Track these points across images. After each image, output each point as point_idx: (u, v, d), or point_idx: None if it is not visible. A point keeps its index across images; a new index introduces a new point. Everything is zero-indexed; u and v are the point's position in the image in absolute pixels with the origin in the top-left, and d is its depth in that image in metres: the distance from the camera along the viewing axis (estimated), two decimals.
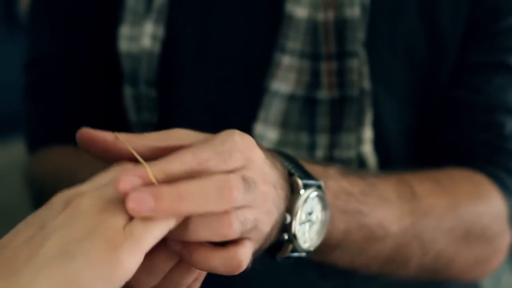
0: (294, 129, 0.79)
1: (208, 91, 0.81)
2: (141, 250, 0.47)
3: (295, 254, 0.58)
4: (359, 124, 0.78)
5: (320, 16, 0.77)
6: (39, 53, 0.90)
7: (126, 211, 0.48)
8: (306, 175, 0.58)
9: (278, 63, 0.77)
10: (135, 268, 0.46)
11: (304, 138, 0.79)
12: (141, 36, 0.81)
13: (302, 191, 0.56)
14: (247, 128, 0.76)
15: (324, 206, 0.59)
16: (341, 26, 0.77)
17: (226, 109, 0.80)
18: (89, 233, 0.46)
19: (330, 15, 0.77)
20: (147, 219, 0.47)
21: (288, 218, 0.56)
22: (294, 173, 0.57)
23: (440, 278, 0.78)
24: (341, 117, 0.78)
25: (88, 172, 0.56)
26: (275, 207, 0.53)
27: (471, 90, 0.80)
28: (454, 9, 0.78)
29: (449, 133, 0.81)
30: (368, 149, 0.78)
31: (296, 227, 0.56)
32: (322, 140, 0.78)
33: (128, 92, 0.83)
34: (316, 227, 0.59)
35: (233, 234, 0.49)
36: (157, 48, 0.81)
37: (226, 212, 0.48)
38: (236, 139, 0.50)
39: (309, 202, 0.57)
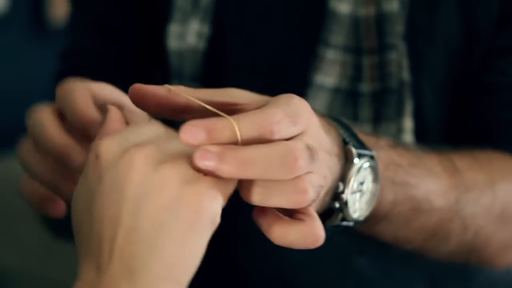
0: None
1: (252, 85, 0.84)
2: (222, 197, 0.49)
3: (344, 223, 0.59)
4: (400, 114, 0.80)
5: (362, 11, 0.80)
6: (76, 45, 0.93)
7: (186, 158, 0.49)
8: (360, 144, 0.59)
9: (322, 57, 0.81)
10: (218, 217, 0.49)
11: None
12: (187, 34, 0.84)
13: (356, 160, 0.57)
14: None
15: (376, 177, 0.60)
16: (381, 21, 0.80)
17: None
18: (172, 205, 0.47)
19: (371, 10, 0.80)
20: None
21: (341, 187, 0.57)
22: (349, 142, 0.58)
23: (474, 261, 0.80)
24: (382, 108, 0.81)
25: None
26: (330, 174, 0.54)
27: (496, 72, 0.82)
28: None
29: (477, 115, 0.83)
30: (408, 138, 0.80)
31: (347, 196, 0.57)
32: (365, 130, 0.80)
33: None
34: (366, 197, 0.60)
35: (308, 201, 0.50)
36: (202, 45, 0.84)
37: (300, 178, 0.49)
38: (297, 101, 0.51)
39: (361, 172, 0.58)
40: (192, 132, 0.47)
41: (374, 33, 0.81)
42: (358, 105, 0.82)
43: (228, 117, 0.48)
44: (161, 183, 0.48)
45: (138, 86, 0.54)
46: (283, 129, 0.49)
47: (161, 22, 0.86)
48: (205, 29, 0.84)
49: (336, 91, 0.81)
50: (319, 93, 0.81)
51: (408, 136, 0.81)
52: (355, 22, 0.81)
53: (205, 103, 0.53)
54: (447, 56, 0.82)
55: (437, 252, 0.76)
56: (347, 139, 0.58)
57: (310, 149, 0.49)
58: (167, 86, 0.53)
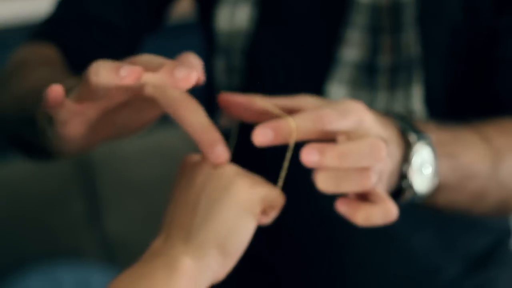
0: (359, 88, 0.91)
1: (288, 59, 0.95)
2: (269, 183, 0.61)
3: (413, 198, 0.68)
4: (411, 82, 0.89)
5: (381, 1, 0.89)
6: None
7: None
8: (415, 130, 0.68)
9: (347, 36, 0.90)
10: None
11: (367, 95, 0.91)
12: (237, 16, 0.93)
13: (414, 145, 0.66)
14: (321, 87, 0.91)
15: (434, 155, 0.69)
16: (397, 6, 0.89)
17: (304, 72, 0.94)
18: (226, 183, 0.59)
19: (389, 0, 0.89)
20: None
21: (406, 168, 0.67)
22: (407, 130, 0.67)
23: (503, 212, 0.89)
24: (396, 78, 0.90)
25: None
26: (389, 159, 0.63)
27: (508, 48, 0.89)
28: None
29: (491, 87, 0.90)
30: (417, 103, 0.89)
31: (412, 175, 0.67)
32: (382, 96, 0.91)
33: (220, 62, 0.95)
34: (428, 173, 0.69)
35: (372, 184, 0.58)
36: (251, 26, 0.93)
37: (366, 167, 0.58)
38: (349, 103, 0.61)
39: (421, 152, 0.67)
40: (263, 133, 0.58)
41: (391, 16, 0.89)
42: (376, 75, 0.91)
43: (288, 116, 0.59)
44: (220, 173, 0.59)
45: (225, 96, 0.66)
46: (334, 121, 0.59)
47: (210, 4, 0.95)
48: (254, 13, 0.93)
49: (357, 64, 0.91)
50: (343, 65, 0.91)
51: (417, 101, 0.89)
52: (374, 7, 0.89)
53: (279, 107, 0.63)
54: (452, 35, 0.90)
55: (480, 210, 0.83)
56: (405, 128, 0.68)
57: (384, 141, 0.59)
58: (248, 96, 0.64)
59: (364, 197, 0.61)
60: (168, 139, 2.02)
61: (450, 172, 0.74)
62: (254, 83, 0.96)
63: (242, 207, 0.58)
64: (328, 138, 0.60)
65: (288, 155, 0.60)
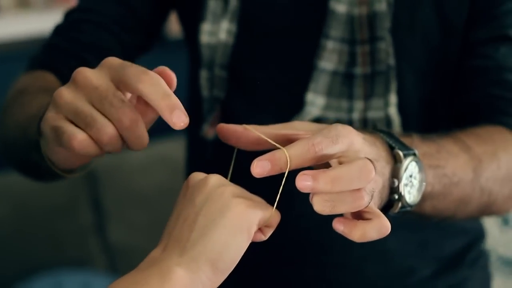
0: (337, 97, 0.94)
1: (268, 70, 0.98)
2: (265, 206, 0.64)
3: (403, 209, 0.72)
4: (386, 91, 0.92)
5: (356, 11, 0.92)
6: (84, 5, 1.01)
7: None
8: (404, 146, 0.71)
9: (324, 47, 0.93)
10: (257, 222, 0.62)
11: (344, 103, 0.94)
12: (218, 31, 0.97)
13: (403, 160, 0.70)
14: (300, 97, 0.94)
15: (420, 168, 0.72)
16: (372, 18, 0.92)
17: (284, 83, 0.97)
18: (222, 204, 0.62)
19: (364, 10, 0.92)
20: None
21: (396, 182, 0.70)
22: (395, 147, 0.70)
23: (485, 215, 0.91)
24: (372, 86, 0.93)
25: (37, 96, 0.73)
26: (379, 177, 0.67)
27: (482, 57, 0.92)
28: (460, 2, 0.92)
29: (467, 95, 0.93)
30: (393, 111, 0.92)
31: (402, 188, 0.70)
32: (358, 105, 0.93)
33: (204, 74, 0.99)
34: (416, 185, 0.72)
35: (365, 204, 0.61)
36: (231, 40, 0.97)
37: (359, 189, 0.61)
38: (339, 128, 0.63)
39: (409, 167, 0.70)
40: (260, 165, 0.61)
41: (366, 27, 0.92)
42: (353, 85, 0.93)
43: (282, 148, 0.62)
44: (220, 194, 0.62)
45: (222, 126, 0.70)
46: (325, 147, 0.61)
47: (194, 21, 0.99)
48: (233, 27, 0.97)
49: (335, 73, 0.93)
50: (321, 75, 0.93)
51: (392, 109, 0.92)
52: (350, 19, 0.92)
53: (273, 135, 0.67)
54: (426, 46, 0.93)
55: (463, 215, 0.86)
56: (393, 144, 0.71)
57: (373, 162, 0.62)
58: (244, 125, 0.67)
59: (359, 215, 0.64)
60: (170, 150, 2.06)
61: (436, 181, 0.78)
62: (236, 95, 0.99)
63: (237, 228, 0.62)
64: (321, 162, 0.64)
65: (283, 182, 0.63)
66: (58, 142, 0.65)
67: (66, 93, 0.64)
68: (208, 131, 1.01)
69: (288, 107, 0.96)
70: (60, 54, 0.97)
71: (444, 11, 0.93)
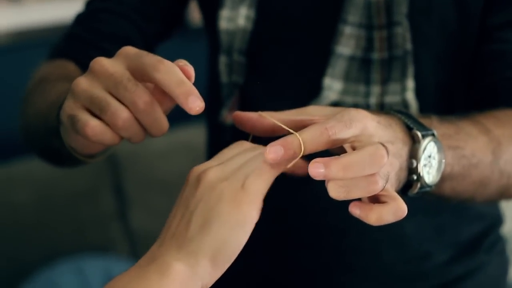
0: (354, 82, 0.94)
1: (286, 55, 0.98)
2: (259, 200, 0.63)
3: (422, 190, 0.72)
4: (403, 76, 0.92)
5: None
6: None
7: (242, 176, 0.63)
8: (422, 126, 0.71)
9: (341, 32, 0.94)
10: (257, 214, 0.62)
11: (361, 88, 0.94)
12: (237, 17, 0.98)
13: (421, 141, 0.70)
14: (318, 82, 0.95)
15: (439, 148, 0.72)
16: (389, 3, 0.92)
17: (301, 68, 0.98)
18: (217, 200, 0.62)
19: None
20: (258, 174, 0.62)
21: (414, 163, 0.70)
22: (413, 127, 0.70)
23: (504, 198, 0.90)
24: (389, 71, 0.92)
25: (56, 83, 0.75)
26: (395, 159, 0.67)
27: (499, 42, 0.92)
28: None
29: (484, 79, 0.93)
30: (410, 96, 0.92)
31: (421, 169, 0.70)
32: (375, 89, 0.94)
33: (223, 60, 1.00)
34: (435, 165, 0.72)
35: (380, 188, 0.62)
36: (249, 25, 0.98)
37: (372, 174, 0.61)
38: (352, 112, 0.64)
39: (428, 148, 0.70)
40: (274, 150, 0.61)
41: (384, 12, 0.92)
42: (370, 70, 0.93)
43: (295, 133, 0.62)
44: (221, 188, 0.62)
45: (238, 113, 0.71)
46: (338, 132, 0.62)
47: (213, 8, 1.00)
48: (252, 13, 0.98)
49: (352, 58, 0.94)
50: (338, 60, 0.94)
51: (410, 94, 0.92)
52: (368, 4, 0.92)
53: (288, 121, 0.67)
54: (443, 31, 0.93)
55: (482, 197, 0.86)
56: (411, 125, 0.71)
57: (385, 146, 0.62)
58: (259, 112, 0.68)
59: (375, 198, 0.64)
60: (191, 137, 2.07)
61: (455, 162, 0.78)
62: (254, 80, 1.00)
63: (234, 223, 0.62)
64: (335, 147, 0.64)
65: (292, 162, 0.63)
66: (74, 130, 0.67)
67: (83, 82, 0.66)
68: (227, 116, 1.02)
69: (306, 92, 0.97)
70: (80, 44, 0.99)
71: None
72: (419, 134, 0.71)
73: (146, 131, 0.67)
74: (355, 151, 0.62)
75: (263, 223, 0.99)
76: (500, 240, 1.09)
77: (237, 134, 1.00)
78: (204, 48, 1.16)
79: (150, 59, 0.65)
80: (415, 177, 0.71)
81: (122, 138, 0.67)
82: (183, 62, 0.66)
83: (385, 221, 0.62)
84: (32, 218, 1.93)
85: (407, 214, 0.93)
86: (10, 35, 2.06)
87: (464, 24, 0.93)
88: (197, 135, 2.04)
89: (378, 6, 0.93)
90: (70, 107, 0.67)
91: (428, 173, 0.71)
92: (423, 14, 0.93)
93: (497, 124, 0.86)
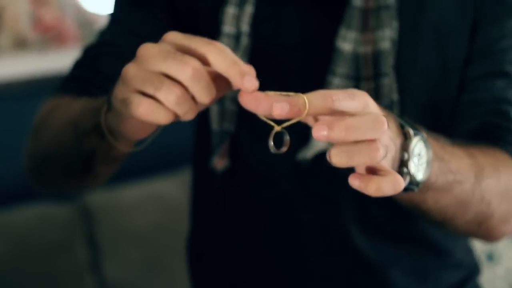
0: None
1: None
2: None
3: (410, 187, 0.74)
4: None
5: (361, 49, 0.96)
6: (102, 39, 1.03)
7: None
8: (414, 127, 0.74)
9: (330, 83, 0.97)
10: None
11: None
12: (243, 16, 0.97)
13: (412, 138, 0.73)
14: (308, 132, 0.91)
15: (428, 147, 0.75)
16: (377, 56, 0.96)
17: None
18: None
19: (369, 48, 0.96)
20: None
21: (406, 156, 0.72)
22: (405, 125, 0.73)
23: (482, 230, 0.91)
24: None
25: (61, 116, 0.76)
26: (392, 144, 0.69)
27: (479, 91, 0.97)
28: (459, 43, 0.97)
29: (465, 126, 0.96)
30: None
31: (411, 162, 0.73)
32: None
33: (214, 108, 1.01)
34: (424, 164, 0.75)
35: (381, 156, 0.63)
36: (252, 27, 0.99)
37: (374, 140, 0.62)
38: (356, 90, 0.65)
39: (418, 145, 0.73)
40: (280, 106, 0.62)
41: (371, 65, 0.96)
42: None
43: (301, 94, 0.64)
44: None
45: (247, 94, 0.67)
46: (342, 100, 0.63)
47: (217, 5, 1.00)
48: (258, 12, 0.98)
49: None
50: None
51: None
52: (356, 57, 0.96)
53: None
54: (427, 82, 0.97)
55: (462, 220, 0.87)
56: (403, 124, 0.74)
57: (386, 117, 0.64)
58: (267, 92, 0.66)
59: (373, 173, 0.65)
60: (164, 188, 2.08)
61: (440, 173, 0.80)
62: (245, 127, 1.02)
63: None
64: (337, 116, 0.64)
65: (289, 122, 0.66)
66: (127, 112, 0.67)
67: (132, 67, 0.67)
68: (218, 163, 1.03)
69: (297, 139, 0.99)
70: (82, 83, 0.99)
71: (444, 51, 0.98)
72: (411, 131, 0.73)
73: (197, 104, 0.67)
74: (357, 115, 0.63)
75: (252, 268, 1.00)
76: None
77: (228, 180, 1.03)
78: None
79: (200, 41, 0.65)
80: (405, 170, 0.73)
81: (174, 116, 0.66)
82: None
83: (384, 192, 0.63)
84: (7, 269, 1.92)
85: (394, 257, 0.97)
86: None
87: (447, 76, 0.98)
88: (170, 186, 2.06)
89: (366, 59, 0.97)
90: (122, 92, 0.68)
91: (417, 170, 0.74)
92: (409, 65, 0.98)
93: (481, 153, 0.88)
